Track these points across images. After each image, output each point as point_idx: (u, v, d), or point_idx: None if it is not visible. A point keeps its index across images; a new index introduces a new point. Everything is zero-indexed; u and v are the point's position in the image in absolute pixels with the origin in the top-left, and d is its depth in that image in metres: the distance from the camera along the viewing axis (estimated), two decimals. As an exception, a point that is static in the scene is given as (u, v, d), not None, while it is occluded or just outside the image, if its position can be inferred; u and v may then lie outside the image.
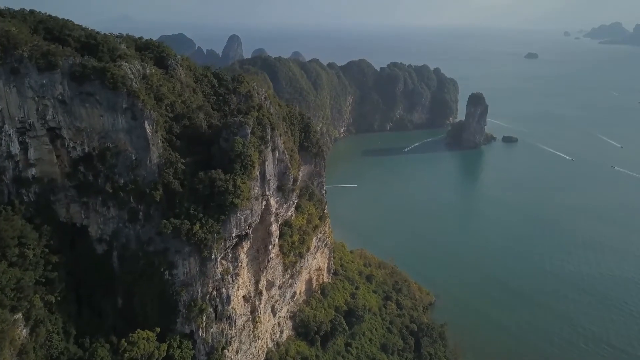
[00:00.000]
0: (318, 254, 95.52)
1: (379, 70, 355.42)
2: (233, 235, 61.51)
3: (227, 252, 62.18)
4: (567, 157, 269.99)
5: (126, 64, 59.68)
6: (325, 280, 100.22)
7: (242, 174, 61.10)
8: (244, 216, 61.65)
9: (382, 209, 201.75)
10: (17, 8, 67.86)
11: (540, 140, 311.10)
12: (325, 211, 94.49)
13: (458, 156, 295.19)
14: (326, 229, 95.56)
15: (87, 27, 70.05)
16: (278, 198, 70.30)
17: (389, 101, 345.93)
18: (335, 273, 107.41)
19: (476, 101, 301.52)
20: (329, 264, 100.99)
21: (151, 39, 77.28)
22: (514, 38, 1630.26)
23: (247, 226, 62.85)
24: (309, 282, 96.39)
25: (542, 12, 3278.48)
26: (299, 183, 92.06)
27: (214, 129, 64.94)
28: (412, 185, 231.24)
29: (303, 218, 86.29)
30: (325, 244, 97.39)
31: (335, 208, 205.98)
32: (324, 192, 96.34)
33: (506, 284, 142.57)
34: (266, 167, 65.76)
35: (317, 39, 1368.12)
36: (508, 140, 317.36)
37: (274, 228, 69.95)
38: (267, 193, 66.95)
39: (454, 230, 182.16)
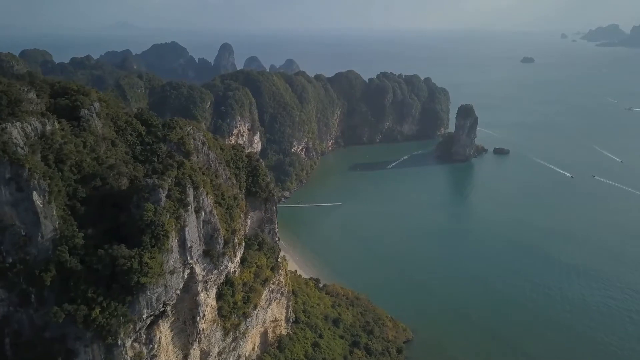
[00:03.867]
0: (273, 305, 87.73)
1: (367, 81, 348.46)
2: (144, 316, 53.78)
3: (140, 333, 54.47)
4: (567, 174, 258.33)
5: (17, 124, 52.08)
6: (283, 331, 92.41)
7: (153, 246, 53.39)
8: (156, 295, 53.95)
9: (364, 232, 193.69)
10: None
11: (532, 152, 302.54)
12: (278, 260, 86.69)
13: (447, 170, 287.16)
14: (281, 278, 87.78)
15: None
16: (205, 264, 62.54)
17: (378, 113, 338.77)
18: (296, 321, 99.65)
19: (466, 113, 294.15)
20: (287, 313, 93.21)
21: (71, 83, 69.68)
22: (510, 41, 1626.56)
23: (162, 304, 55.12)
24: (265, 334, 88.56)
25: (539, 15, 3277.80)
26: (247, 231, 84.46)
27: (134, 189, 57.23)
28: (397, 204, 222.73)
29: (250, 272, 78.54)
30: (282, 294, 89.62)
31: (315, 231, 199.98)
32: (276, 239, 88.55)
33: (493, 317, 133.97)
34: (187, 233, 58.03)
35: (311, 45, 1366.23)
36: (499, 152, 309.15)
37: (202, 298, 62.16)
38: (190, 261, 59.25)
39: (438, 255, 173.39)
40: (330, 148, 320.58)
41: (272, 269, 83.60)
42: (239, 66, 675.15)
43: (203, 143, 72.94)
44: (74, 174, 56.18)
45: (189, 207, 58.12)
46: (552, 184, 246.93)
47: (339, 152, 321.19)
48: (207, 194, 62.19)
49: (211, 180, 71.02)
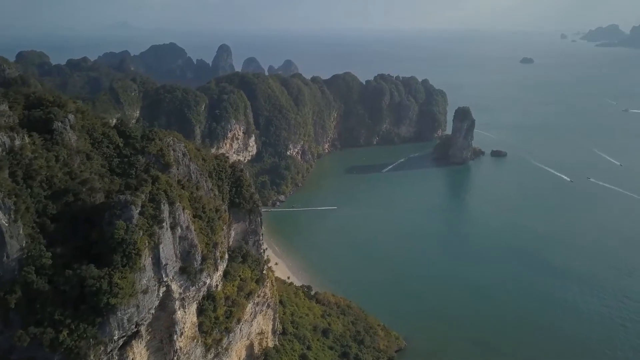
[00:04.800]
0: (259, 318, 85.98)
1: (364, 83, 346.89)
2: (115, 338, 52.05)
3: (112, 355, 52.74)
4: (566, 178, 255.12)
5: (-18, 139, 50.36)
6: (269, 344, 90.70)
7: (125, 265, 51.62)
8: (127, 315, 52.16)
9: (358, 236, 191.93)
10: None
11: (530, 154, 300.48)
12: (264, 272, 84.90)
13: (444, 173, 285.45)
14: (267, 290, 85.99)
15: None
16: (182, 282, 60.77)
17: (375, 115, 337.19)
18: (284, 332, 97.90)
19: (463, 116, 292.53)
20: (273, 325, 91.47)
21: (47, 94, 67.92)
22: (509, 41, 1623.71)
23: (135, 325, 53.38)
24: (251, 347, 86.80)
25: (539, 15, 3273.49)
26: (231, 243, 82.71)
27: (106, 205, 55.41)
28: (393, 208, 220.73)
29: (233, 286, 76.76)
30: (268, 305, 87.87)
31: (309, 236, 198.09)
32: (261, 251, 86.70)
33: (488, 325, 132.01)
34: (161, 250, 56.22)
35: (310, 45, 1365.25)
36: (497, 154, 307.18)
37: (179, 315, 60.40)
38: (165, 279, 57.48)
39: (433, 261, 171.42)
40: (327, 150, 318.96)
41: (257, 282, 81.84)
42: (237, 67, 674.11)
43: (184, 154, 71.14)
44: (44, 189, 54.43)
45: (164, 224, 56.34)
46: (549, 187, 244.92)
47: (336, 155, 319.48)
48: (184, 209, 60.41)
49: (191, 193, 69.25)
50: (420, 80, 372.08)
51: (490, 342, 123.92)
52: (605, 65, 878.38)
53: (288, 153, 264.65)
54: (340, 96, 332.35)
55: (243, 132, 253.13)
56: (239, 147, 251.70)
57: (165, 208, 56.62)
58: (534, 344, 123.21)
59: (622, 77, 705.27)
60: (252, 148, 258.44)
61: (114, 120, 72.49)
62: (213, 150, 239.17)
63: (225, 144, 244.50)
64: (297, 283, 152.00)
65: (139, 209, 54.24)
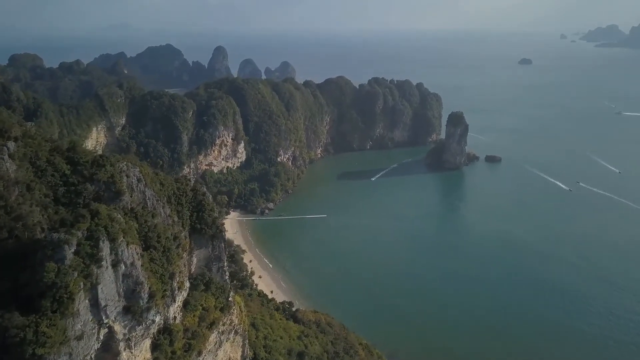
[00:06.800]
0: (226, 346, 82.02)
1: (358, 87, 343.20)
2: (44, 389, 48.08)
3: (45, 406, 48.78)
4: (564, 187, 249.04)
5: None
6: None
7: (55, 311, 47.69)
8: (58, 365, 48.29)
9: (346, 247, 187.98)
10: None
11: (525, 160, 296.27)
12: (230, 299, 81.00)
13: (437, 179, 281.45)
14: (233, 317, 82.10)
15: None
16: (127, 322, 56.83)
17: (368, 119, 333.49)
18: (255, 358, 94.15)
19: (456, 121, 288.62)
20: (243, 351, 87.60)
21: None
22: (508, 42, 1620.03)
23: (68, 374, 49.41)
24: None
25: (539, 15, 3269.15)
26: (193, 270, 78.84)
27: (37, 245, 51.36)
28: (383, 217, 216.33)
29: (194, 316, 72.88)
30: (236, 332, 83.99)
31: (296, 246, 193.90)
32: (226, 277, 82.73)
33: (475, 342, 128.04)
34: (100, 291, 52.24)
35: (308, 46, 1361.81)
36: (491, 159, 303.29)
37: (124, 357, 56.45)
38: (106, 321, 53.56)
39: (422, 274, 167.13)
40: (319, 155, 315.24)
41: (222, 309, 78.01)
42: (234, 69, 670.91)
43: (139, 180, 67.13)
44: (-28, 226, 50.59)
45: (103, 262, 52.41)
46: (544, 195, 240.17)
47: (329, 160, 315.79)
48: (128, 244, 56.44)
49: (145, 222, 65.28)
50: (414, 83, 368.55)
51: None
52: (604, 66, 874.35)
53: (278, 159, 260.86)
54: (333, 100, 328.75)
55: (232, 139, 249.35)
56: (227, 154, 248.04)
57: (104, 245, 52.66)
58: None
59: (621, 78, 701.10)
60: (242, 154, 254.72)
61: (66, 144, 67.92)
62: (201, 157, 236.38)
63: (214, 151, 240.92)
64: (280, 298, 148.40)
65: (74, 248, 50.24)
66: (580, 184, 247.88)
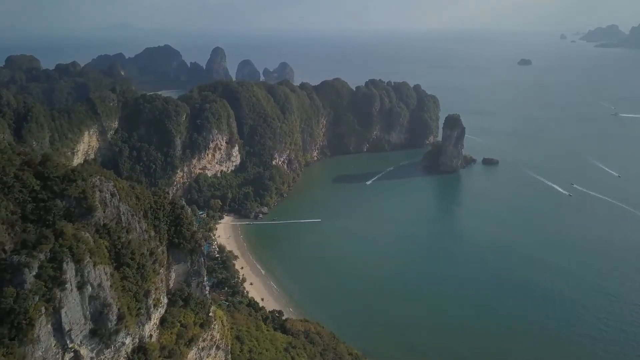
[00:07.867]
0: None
1: (354, 89, 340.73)
2: (3, 418, 46.03)
3: None
4: (560, 190, 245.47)
5: None
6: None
7: (13, 338, 45.67)
8: (18, 393, 46.23)
9: (340, 253, 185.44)
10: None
11: (522, 163, 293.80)
12: (210, 314, 78.86)
13: (434, 182, 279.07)
14: (214, 333, 79.99)
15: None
16: (94, 345, 54.77)
17: (365, 122, 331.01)
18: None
19: (453, 123, 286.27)
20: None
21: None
22: (508, 42, 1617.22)
23: (29, 402, 47.36)
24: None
25: (539, 15, 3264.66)
26: (171, 286, 76.72)
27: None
28: (378, 221, 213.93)
29: (171, 334, 70.82)
30: (217, 347, 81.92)
31: (289, 252, 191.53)
32: (206, 292, 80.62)
33: (467, 351, 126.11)
34: (63, 315, 50.19)
35: (307, 47, 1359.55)
36: (488, 162, 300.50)
37: (93, 381, 54.50)
38: (71, 345, 51.53)
39: (415, 280, 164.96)
40: (315, 158, 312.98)
41: (202, 325, 75.96)
42: (232, 70, 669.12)
43: (112, 194, 64.99)
44: None
45: (67, 285, 50.34)
46: (541, 200, 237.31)
47: (325, 162, 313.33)
48: (95, 265, 54.34)
49: (118, 238, 63.16)
50: (412, 85, 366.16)
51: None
52: (603, 66, 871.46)
53: (273, 162, 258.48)
54: (329, 103, 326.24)
55: (226, 142, 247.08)
56: (221, 157, 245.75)
57: (69, 267, 50.58)
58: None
59: (622, 78, 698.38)
60: (236, 158, 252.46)
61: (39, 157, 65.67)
62: (195, 161, 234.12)
63: (207, 155, 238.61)
64: (271, 306, 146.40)
65: (35, 271, 48.19)
66: (575, 186, 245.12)
